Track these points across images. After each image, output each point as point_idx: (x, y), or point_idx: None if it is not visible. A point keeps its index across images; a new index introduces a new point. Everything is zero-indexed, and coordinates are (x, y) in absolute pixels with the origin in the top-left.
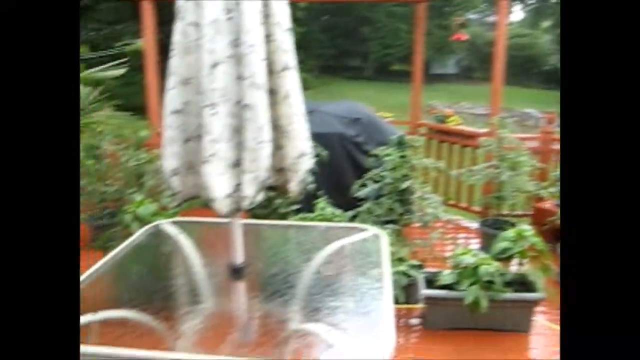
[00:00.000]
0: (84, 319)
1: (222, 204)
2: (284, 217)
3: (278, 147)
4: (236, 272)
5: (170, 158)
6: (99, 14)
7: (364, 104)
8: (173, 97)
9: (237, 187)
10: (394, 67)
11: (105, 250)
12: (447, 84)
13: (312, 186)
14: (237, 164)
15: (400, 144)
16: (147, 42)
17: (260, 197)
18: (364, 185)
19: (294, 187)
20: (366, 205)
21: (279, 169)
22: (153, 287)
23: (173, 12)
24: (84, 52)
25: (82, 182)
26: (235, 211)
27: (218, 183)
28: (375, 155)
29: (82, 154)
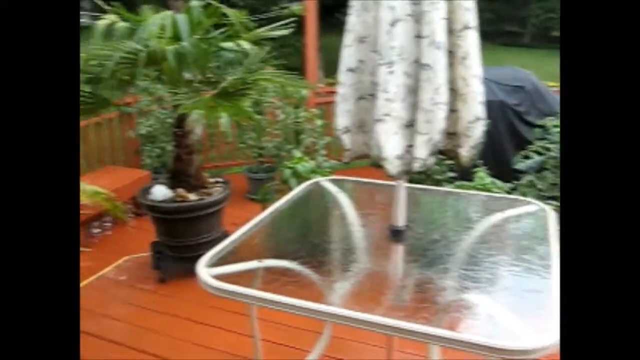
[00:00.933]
0: (249, 264)
1: (392, 165)
2: (438, 183)
3: (452, 109)
4: (396, 235)
5: (342, 115)
6: None
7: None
8: (349, 55)
9: (409, 148)
10: (555, 33)
11: (264, 202)
12: None
13: None
14: (410, 125)
15: None
16: (307, 4)
17: (432, 160)
18: (525, 157)
19: (465, 152)
20: (527, 178)
21: (452, 133)
22: (312, 241)
23: None
24: (244, 15)
25: (245, 136)
26: (405, 173)
27: (390, 143)
28: (542, 126)
29: (249, 109)
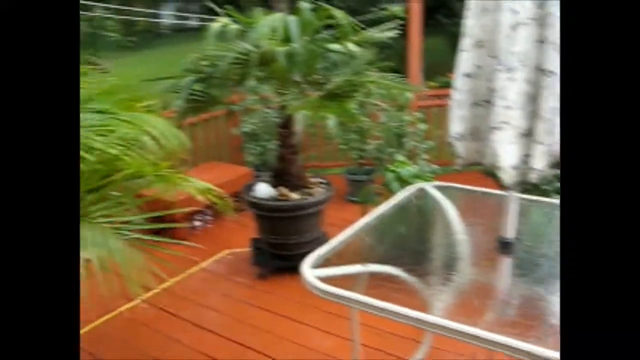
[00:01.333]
0: (354, 268)
1: (508, 175)
2: (545, 194)
3: None
4: (505, 247)
5: (457, 121)
6: None
7: None
8: (465, 60)
9: (526, 158)
10: None
11: (364, 205)
12: None
13: None
14: (528, 134)
15: None
16: (411, 6)
17: (550, 172)
18: None
19: None
20: None
21: None
22: (417, 248)
23: None
24: (344, 16)
25: (347, 137)
26: (520, 183)
27: (507, 152)
28: None
29: (354, 111)
